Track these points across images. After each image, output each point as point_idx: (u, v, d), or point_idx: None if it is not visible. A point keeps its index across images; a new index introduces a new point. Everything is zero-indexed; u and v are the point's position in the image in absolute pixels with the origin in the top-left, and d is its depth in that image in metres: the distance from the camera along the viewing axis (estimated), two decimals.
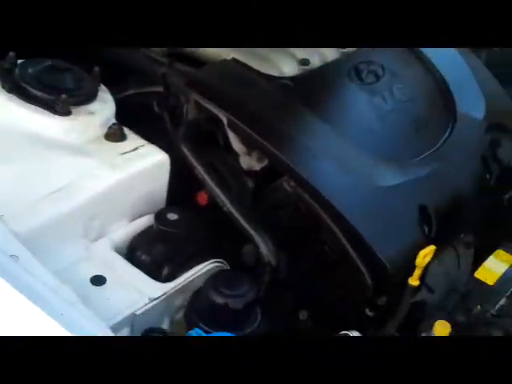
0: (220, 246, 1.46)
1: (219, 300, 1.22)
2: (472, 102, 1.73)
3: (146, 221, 1.42)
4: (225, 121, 1.46)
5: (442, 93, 1.72)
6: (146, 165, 1.41)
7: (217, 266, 1.36)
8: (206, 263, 1.35)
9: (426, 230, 1.46)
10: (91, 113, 1.45)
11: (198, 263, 1.35)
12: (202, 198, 1.52)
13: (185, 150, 1.47)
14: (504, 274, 1.44)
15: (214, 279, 1.26)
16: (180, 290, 1.32)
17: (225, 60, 1.59)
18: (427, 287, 1.52)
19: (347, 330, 1.26)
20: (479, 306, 1.28)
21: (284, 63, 1.63)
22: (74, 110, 1.43)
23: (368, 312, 1.42)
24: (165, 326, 1.32)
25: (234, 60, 1.59)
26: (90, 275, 1.28)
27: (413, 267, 1.34)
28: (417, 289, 1.37)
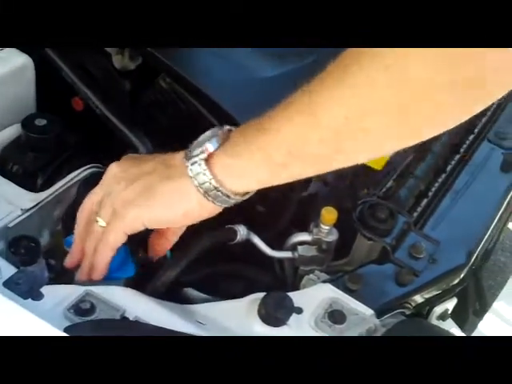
0: (99, 151, 1.39)
1: None
2: None
3: (14, 130, 1.32)
4: None
5: None
6: (6, 69, 1.31)
7: (93, 171, 1.28)
8: (82, 169, 1.28)
9: None
10: None
11: (74, 170, 1.28)
12: (77, 104, 1.43)
13: (50, 52, 1.37)
14: (392, 156, 1.42)
15: (86, 182, 1.19)
16: (56, 200, 1.25)
17: None
18: (320, 178, 1.50)
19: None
20: (366, 190, 1.26)
21: None
22: None
23: (259, 207, 1.39)
24: (44, 238, 1.25)
25: None
26: None
27: None
28: (305, 181, 1.34)
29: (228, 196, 0.89)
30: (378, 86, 0.78)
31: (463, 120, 0.86)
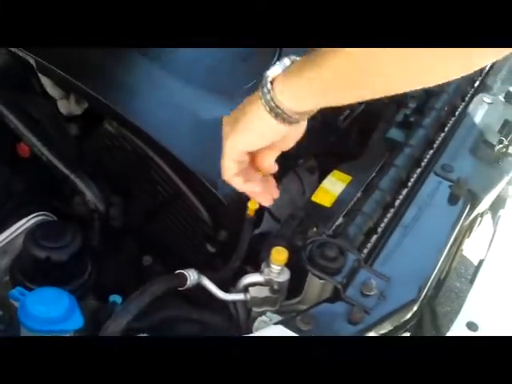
0: (48, 198, 1.37)
1: (40, 254, 1.14)
2: None
3: None
4: (34, 64, 1.35)
5: None
6: None
7: (41, 219, 1.26)
8: (29, 217, 1.25)
9: None
10: None
11: (21, 218, 1.26)
12: (23, 150, 1.41)
13: None
14: (340, 193, 1.43)
15: (33, 232, 1.17)
16: (2, 250, 1.22)
17: None
18: (272, 216, 1.50)
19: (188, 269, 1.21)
20: (315, 228, 1.26)
21: None
22: None
23: (210, 248, 1.38)
24: None
25: None
26: None
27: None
28: (256, 220, 1.34)
29: (288, 115, 0.98)
30: None
31: None
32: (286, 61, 1.00)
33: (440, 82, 0.91)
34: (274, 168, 1.13)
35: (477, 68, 0.88)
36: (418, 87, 0.93)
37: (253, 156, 1.09)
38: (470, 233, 1.65)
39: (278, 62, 1.00)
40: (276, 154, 1.12)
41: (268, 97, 0.97)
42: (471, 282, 1.44)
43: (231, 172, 1.07)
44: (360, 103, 1.69)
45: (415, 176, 1.46)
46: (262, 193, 1.12)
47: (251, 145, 1.06)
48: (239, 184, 1.08)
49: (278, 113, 0.98)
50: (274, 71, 0.98)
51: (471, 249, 2.15)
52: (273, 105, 0.97)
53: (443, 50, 0.83)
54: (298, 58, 1.00)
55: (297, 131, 1.06)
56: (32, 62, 1.34)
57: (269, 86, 0.97)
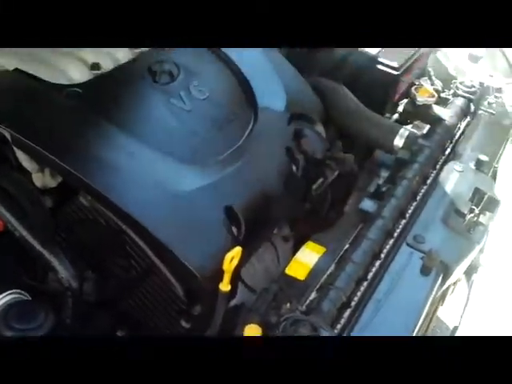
0: (21, 274, 1.37)
1: (12, 335, 1.13)
2: (272, 94, 1.71)
3: None
4: (9, 138, 1.35)
5: (242, 87, 1.70)
6: None
7: (14, 298, 1.25)
8: (1, 296, 1.25)
9: (235, 230, 1.43)
10: None
11: None
12: None
13: None
14: (315, 265, 1.43)
15: (4, 314, 1.16)
16: None
17: (6, 71, 1.48)
18: (248, 287, 1.50)
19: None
20: (288, 304, 1.26)
21: (73, 69, 1.54)
22: None
23: (184, 324, 1.38)
24: None
25: (17, 70, 1.47)
26: None
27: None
28: (230, 293, 1.34)
29: None
30: None
31: None
32: None
33: None
34: None
35: None
36: None
37: None
38: (443, 301, 1.67)
39: None
40: None
41: None
42: None
43: None
44: (333, 170, 1.71)
45: (388, 247, 1.47)
46: None
47: None
48: None
49: None
50: None
51: (446, 313, 2.17)
52: None
53: None
54: None
55: None
56: (7, 135, 1.34)
57: None
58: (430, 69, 2.14)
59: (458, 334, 1.78)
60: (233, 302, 1.43)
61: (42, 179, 1.41)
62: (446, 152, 1.83)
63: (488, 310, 2.40)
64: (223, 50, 1.72)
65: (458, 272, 1.52)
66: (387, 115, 2.01)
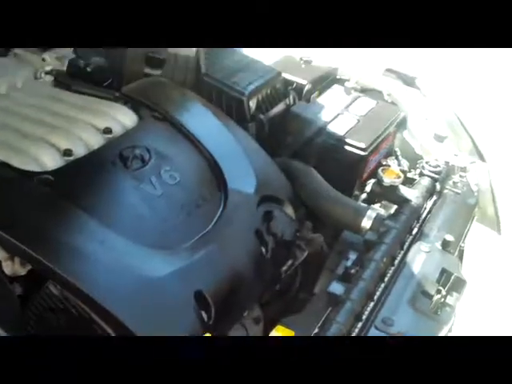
0: None
1: None
2: (242, 177, 1.75)
3: None
4: None
5: (211, 171, 1.73)
6: None
7: None
8: None
9: (205, 315, 1.44)
10: None
11: None
12: None
13: None
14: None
15: None
16: None
17: None
18: None
19: None
20: None
21: (45, 156, 1.56)
22: None
23: None
24: None
25: None
26: None
27: None
28: None
29: None
30: None
31: None
32: None
33: None
34: None
35: None
36: None
37: None
38: None
39: None
40: None
41: None
42: None
43: None
44: (303, 251, 1.73)
45: (356, 331, 1.49)
46: None
47: None
48: None
49: None
50: None
51: None
52: None
53: None
54: None
55: None
56: None
57: None
58: (396, 149, 2.19)
59: None
60: None
61: (11, 267, 1.41)
62: (413, 232, 1.86)
63: None
64: (193, 132, 1.77)
65: None
66: (356, 193, 2.05)
